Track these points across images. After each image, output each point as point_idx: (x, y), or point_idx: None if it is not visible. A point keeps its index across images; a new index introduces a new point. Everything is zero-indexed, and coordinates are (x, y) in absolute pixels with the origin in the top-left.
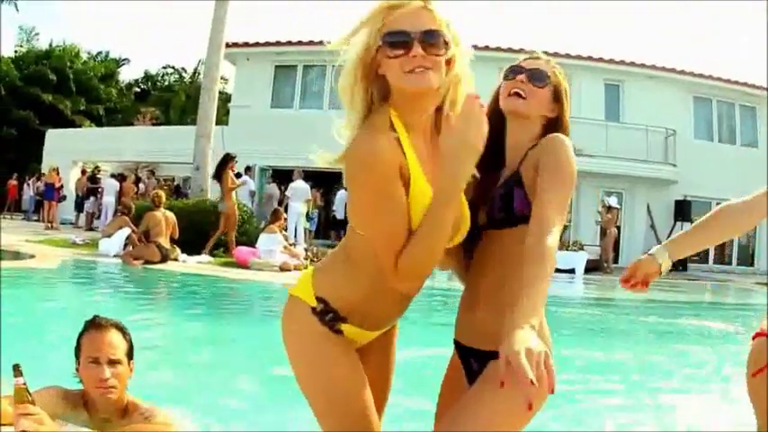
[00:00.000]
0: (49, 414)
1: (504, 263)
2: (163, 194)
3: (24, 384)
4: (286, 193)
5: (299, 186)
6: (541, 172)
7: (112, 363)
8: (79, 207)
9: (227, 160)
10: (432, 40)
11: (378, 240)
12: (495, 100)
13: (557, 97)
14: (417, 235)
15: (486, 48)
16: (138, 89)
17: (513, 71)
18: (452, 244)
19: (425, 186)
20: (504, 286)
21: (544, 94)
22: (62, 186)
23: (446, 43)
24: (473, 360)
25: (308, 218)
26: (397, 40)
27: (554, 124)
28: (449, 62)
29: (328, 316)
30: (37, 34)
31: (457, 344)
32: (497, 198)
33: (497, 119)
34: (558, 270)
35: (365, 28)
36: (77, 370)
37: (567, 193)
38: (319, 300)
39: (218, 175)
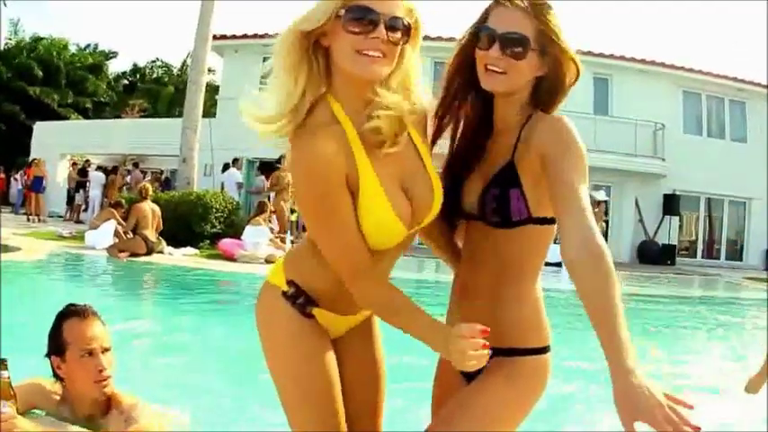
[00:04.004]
0: (30, 407)
1: (501, 259)
2: (150, 187)
3: (8, 379)
4: (267, 185)
5: None
6: (559, 168)
7: (105, 352)
8: (70, 200)
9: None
10: (398, 26)
11: (326, 254)
12: (463, 57)
13: (544, 52)
14: (373, 296)
15: None
16: (126, 81)
17: (486, 35)
18: (422, 225)
19: (377, 189)
20: (502, 283)
21: (526, 63)
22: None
23: (407, 31)
24: None
25: (293, 210)
26: (363, 17)
27: (543, 82)
28: (401, 51)
29: (299, 299)
30: (21, 27)
31: None
32: (491, 198)
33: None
34: (546, 264)
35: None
36: (59, 367)
37: (586, 181)
38: (290, 283)
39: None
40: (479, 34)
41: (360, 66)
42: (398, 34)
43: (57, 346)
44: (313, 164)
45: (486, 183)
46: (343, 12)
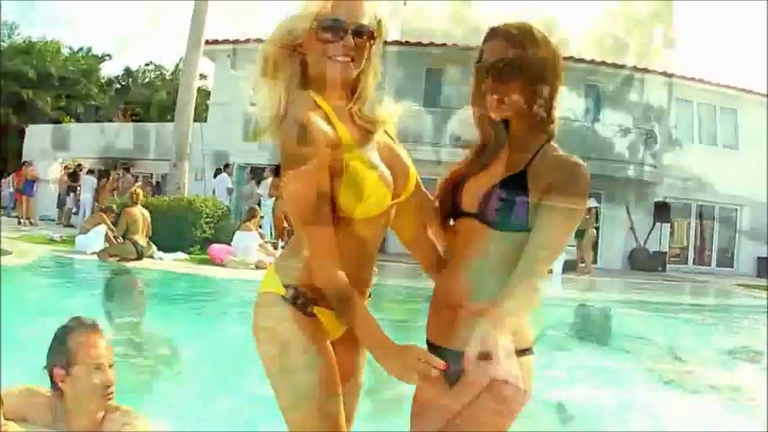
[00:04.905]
0: (21, 416)
1: (486, 260)
2: (140, 192)
3: None
4: (258, 190)
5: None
6: (551, 205)
7: (110, 367)
8: (61, 204)
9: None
10: (363, 32)
11: (304, 231)
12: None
13: (530, 72)
14: (338, 279)
15: (468, 48)
16: (118, 85)
17: (482, 70)
18: (401, 198)
19: (362, 158)
20: (482, 283)
21: (519, 88)
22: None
23: (372, 35)
24: (452, 363)
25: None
26: (331, 26)
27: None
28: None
29: (299, 300)
30: (17, 28)
31: (431, 345)
32: (495, 198)
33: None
34: None
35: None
36: (62, 380)
37: (572, 227)
38: (287, 287)
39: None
40: (481, 70)
41: (332, 69)
42: (364, 39)
43: (62, 358)
44: (303, 132)
45: (493, 184)
46: (315, 24)
